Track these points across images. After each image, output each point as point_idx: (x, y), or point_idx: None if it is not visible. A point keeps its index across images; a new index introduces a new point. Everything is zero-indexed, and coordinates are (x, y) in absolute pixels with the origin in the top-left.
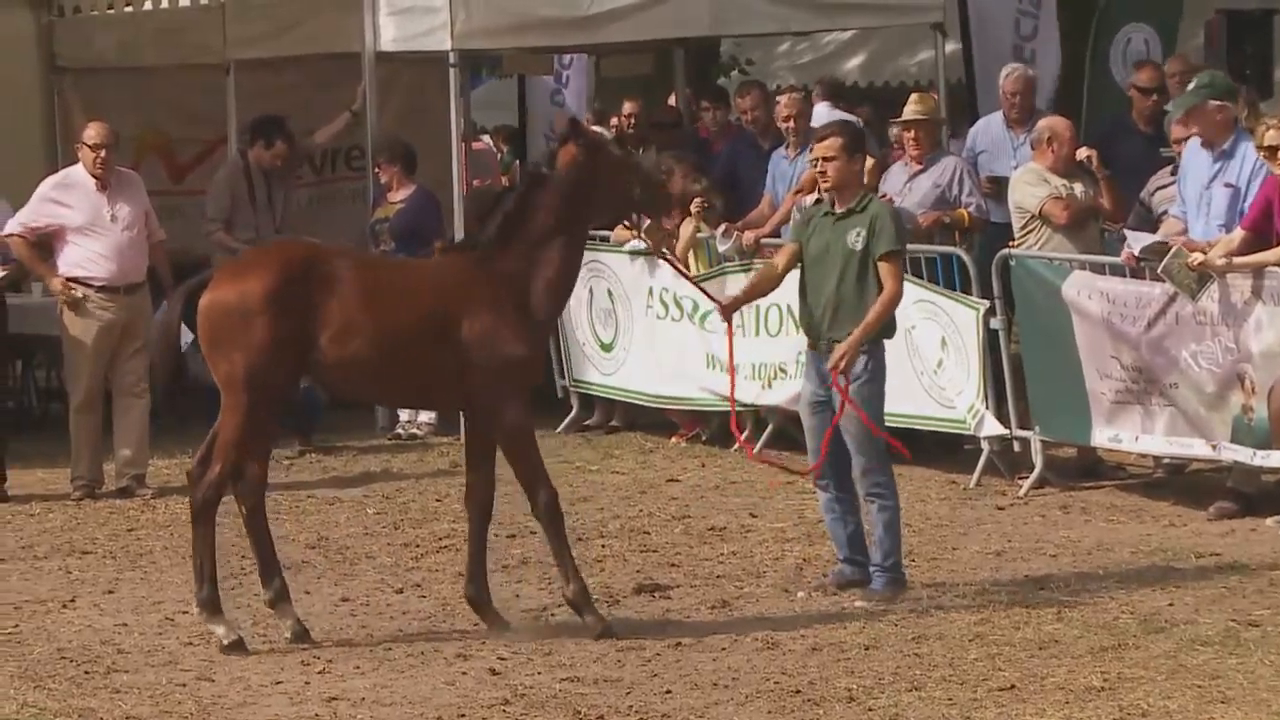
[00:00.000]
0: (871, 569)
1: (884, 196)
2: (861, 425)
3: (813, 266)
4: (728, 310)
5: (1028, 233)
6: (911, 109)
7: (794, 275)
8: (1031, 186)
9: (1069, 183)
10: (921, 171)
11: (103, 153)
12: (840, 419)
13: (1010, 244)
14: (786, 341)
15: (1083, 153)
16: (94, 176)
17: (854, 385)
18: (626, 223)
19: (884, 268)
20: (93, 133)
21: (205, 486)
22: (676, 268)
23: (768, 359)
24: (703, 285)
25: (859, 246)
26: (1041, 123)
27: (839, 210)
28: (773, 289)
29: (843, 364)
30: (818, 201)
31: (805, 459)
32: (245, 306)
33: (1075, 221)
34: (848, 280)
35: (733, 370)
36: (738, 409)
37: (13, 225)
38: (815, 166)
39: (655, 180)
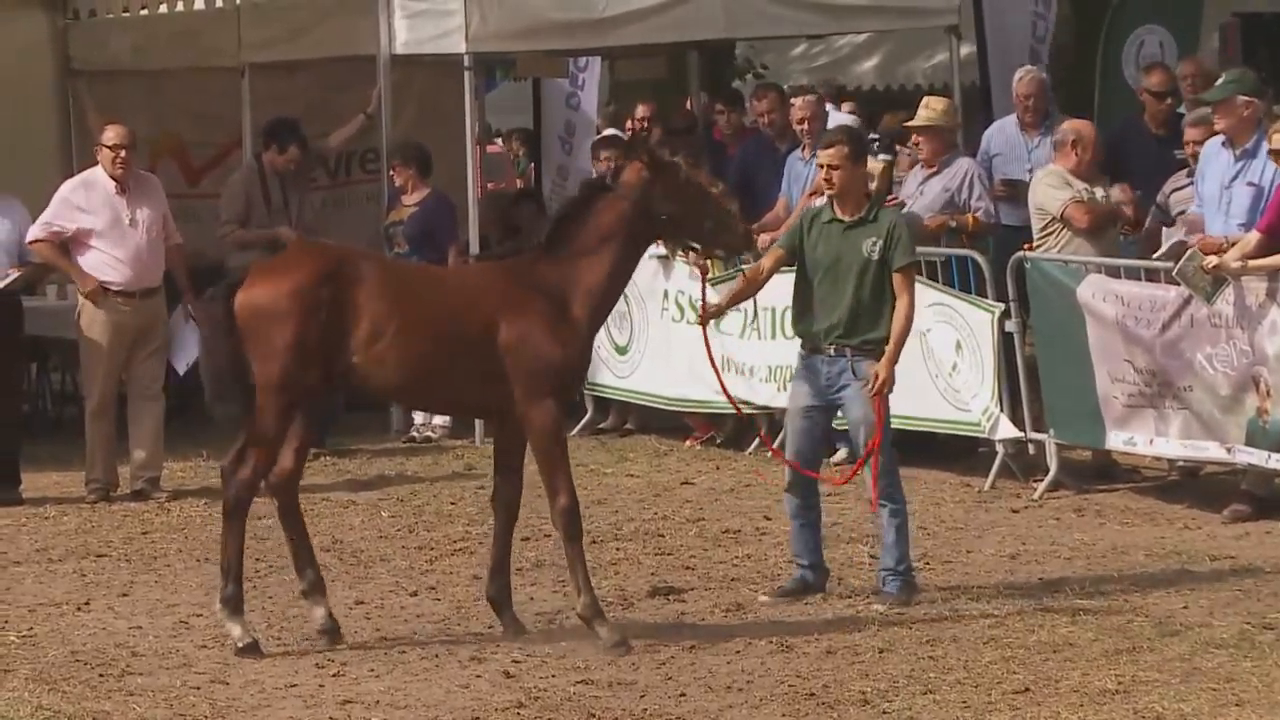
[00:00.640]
0: (884, 573)
1: (893, 198)
2: (872, 428)
3: (823, 275)
4: (706, 317)
5: (1047, 235)
6: (922, 114)
7: (788, 279)
8: (1054, 189)
9: (1090, 186)
10: (934, 174)
11: (122, 153)
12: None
13: (1027, 246)
14: None
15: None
16: (113, 178)
17: (867, 393)
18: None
19: (899, 280)
20: (111, 134)
21: (239, 485)
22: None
23: (784, 362)
24: (708, 289)
25: (876, 256)
26: (1065, 125)
27: (847, 219)
28: (756, 292)
29: (886, 389)
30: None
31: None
32: (277, 307)
33: (1096, 226)
34: (866, 288)
35: (716, 369)
36: (749, 411)
37: (37, 230)
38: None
39: (730, 217)
